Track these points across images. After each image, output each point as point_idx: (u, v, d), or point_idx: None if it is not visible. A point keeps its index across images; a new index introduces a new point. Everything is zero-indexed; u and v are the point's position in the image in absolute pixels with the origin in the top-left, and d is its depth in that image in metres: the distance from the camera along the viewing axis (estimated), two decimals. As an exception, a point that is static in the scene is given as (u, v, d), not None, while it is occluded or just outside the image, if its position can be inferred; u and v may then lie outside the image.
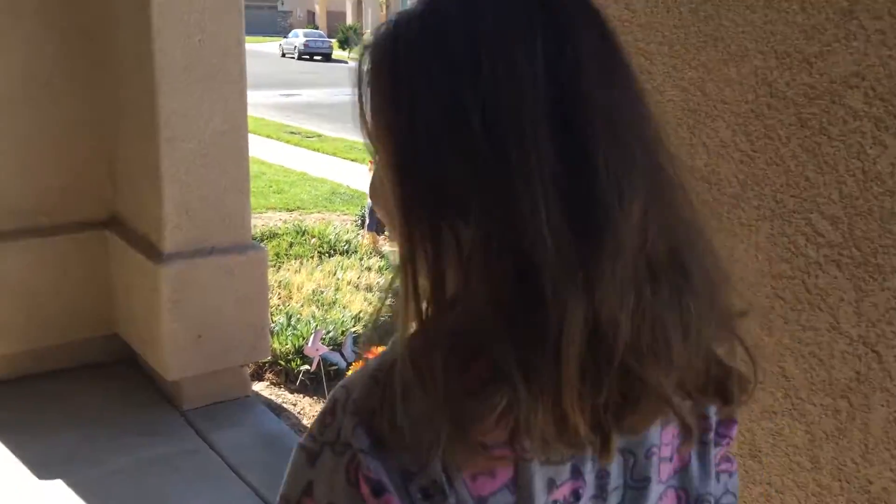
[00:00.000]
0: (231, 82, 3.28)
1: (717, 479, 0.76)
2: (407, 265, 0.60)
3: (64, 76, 3.58)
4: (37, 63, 3.52)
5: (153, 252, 3.37)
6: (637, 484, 0.69)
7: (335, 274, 5.74)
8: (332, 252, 6.40)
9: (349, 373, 0.78)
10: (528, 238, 0.55)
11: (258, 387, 3.94)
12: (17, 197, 3.59)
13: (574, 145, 0.57)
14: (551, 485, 0.63)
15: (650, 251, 0.59)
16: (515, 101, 0.56)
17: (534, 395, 0.55)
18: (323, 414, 0.62)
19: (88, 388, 3.71)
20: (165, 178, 3.23)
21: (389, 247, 6.13)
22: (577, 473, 0.64)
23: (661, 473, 0.70)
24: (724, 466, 0.79)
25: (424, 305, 0.60)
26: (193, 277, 3.35)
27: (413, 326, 0.60)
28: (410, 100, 0.59)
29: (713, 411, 0.73)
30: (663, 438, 0.69)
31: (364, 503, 0.58)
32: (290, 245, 6.50)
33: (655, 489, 0.69)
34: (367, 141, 0.64)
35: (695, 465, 0.72)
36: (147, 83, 3.20)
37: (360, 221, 7.39)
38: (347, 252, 6.43)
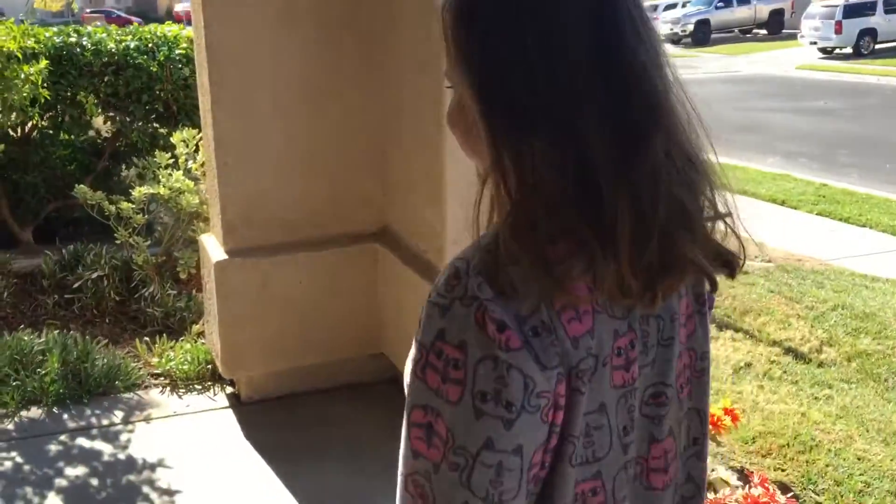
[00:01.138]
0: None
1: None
2: (496, 171, 0.79)
3: (339, 80, 3.37)
4: (314, 69, 3.33)
5: (430, 271, 3.07)
6: (666, 342, 0.90)
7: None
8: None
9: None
10: (587, 147, 0.75)
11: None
12: (288, 208, 3.44)
13: (616, 81, 0.76)
14: (616, 335, 0.83)
15: (675, 158, 0.80)
16: (569, 45, 0.76)
17: (605, 258, 0.76)
18: (448, 278, 0.79)
19: (353, 410, 3.51)
20: (449, 191, 2.90)
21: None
22: (631, 329, 0.85)
23: (681, 336, 0.92)
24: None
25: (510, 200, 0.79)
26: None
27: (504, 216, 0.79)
28: (493, 44, 0.77)
29: (706, 288, 0.94)
30: (681, 308, 0.91)
31: (490, 338, 0.75)
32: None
33: (677, 347, 0.91)
34: (452, 75, 0.83)
35: (699, 329, 0.95)
36: (430, 88, 2.88)
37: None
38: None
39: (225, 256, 3.36)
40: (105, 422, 3.43)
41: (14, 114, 4.29)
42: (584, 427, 0.81)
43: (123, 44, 5.81)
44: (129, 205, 4.84)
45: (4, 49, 4.15)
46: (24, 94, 4.26)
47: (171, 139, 5.19)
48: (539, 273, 0.76)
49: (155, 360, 3.91)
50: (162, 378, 3.81)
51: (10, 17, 5.94)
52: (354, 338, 3.58)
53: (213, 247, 3.50)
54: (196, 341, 4.04)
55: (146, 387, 3.74)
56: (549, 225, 0.77)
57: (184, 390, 3.71)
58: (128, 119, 5.96)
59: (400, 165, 3.37)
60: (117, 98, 5.85)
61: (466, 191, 2.87)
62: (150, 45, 5.89)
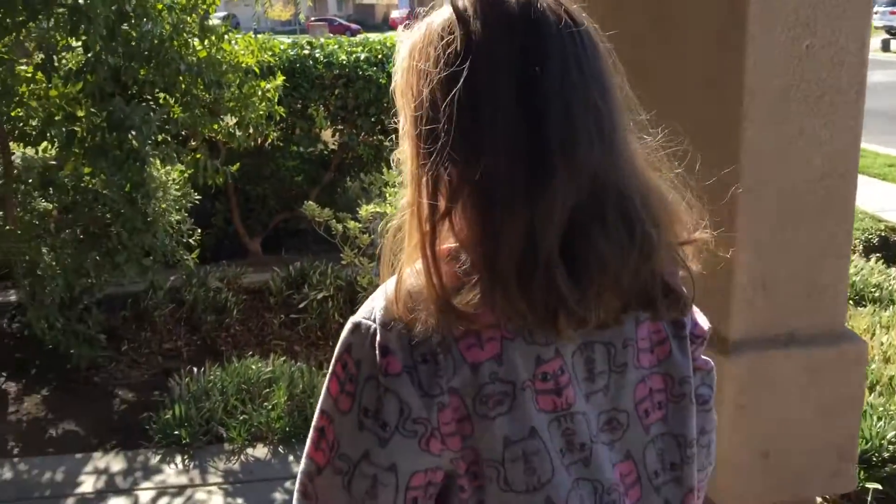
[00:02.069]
0: (843, 105, 2.28)
1: (694, 373, 0.95)
2: (413, 197, 0.82)
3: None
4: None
5: (713, 336, 2.53)
6: (618, 368, 0.88)
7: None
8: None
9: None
10: (492, 178, 0.77)
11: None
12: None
13: (533, 115, 0.78)
14: (539, 360, 0.82)
15: (598, 194, 0.79)
16: (491, 81, 0.79)
17: (493, 287, 0.77)
18: (367, 302, 0.85)
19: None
20: (740, 238, 2.35)
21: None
22: (558, 355, 0.83)
23: (641, 360, 0.90)
24: (700, 363, 0.99)
25: (425, 229, 0.80)
26: (765, 375, 2.42)
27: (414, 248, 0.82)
28: (423, 81, 0.82)
29: (695, 316, 0.97)
30: (639, 333, 0.89)
31: (375, 361, 0.80)
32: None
33: (634, 373, 0.89)
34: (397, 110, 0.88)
35: (676, 354, 0.92)
36: (723, 110, 2.35)
37: None
38: None
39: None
40: (329, 466, 3.20)
41: (250, 131, 4.20)
42: (518, 454, 0.81)
43: (354, 55, 5.70)
44: (356, 224, 4.68)
45: (243, 64, 4.07)
46: (261, 112, 4.17)
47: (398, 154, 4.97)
48: (436, 300, 0.78)
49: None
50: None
51: (243, 30, 6.01)
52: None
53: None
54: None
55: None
56: (458, 253, 0.81)
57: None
58: (354, 132, 5.86)
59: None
60: (346, 111, 5.76)
61: (766, 235, 2.33)
62: (379, 56, 5.75)
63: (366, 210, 4.73)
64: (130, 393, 3.99)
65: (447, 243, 0.82)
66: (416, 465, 0.81)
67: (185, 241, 4.63)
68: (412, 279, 0.81)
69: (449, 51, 0.80)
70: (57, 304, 4.12)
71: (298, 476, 0.87)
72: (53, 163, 4.45)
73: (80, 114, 4.32)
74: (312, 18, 36.98)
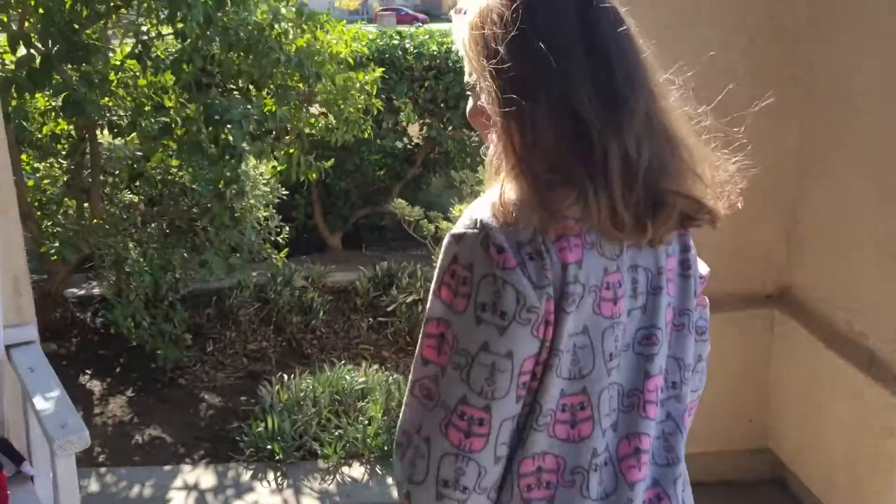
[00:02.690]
0: None
1: (695, 308, 1.09)
2: (504, 135, 0.92)
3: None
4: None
5: (869, 362, 2.23)
6: (655, 291, 1.01)
7: None
8: None
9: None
10: (580, 110, 0.90)
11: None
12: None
13: (600, 60, 0.93)
14: (606, 271, 0.94)
15: (655, 126, 0.95)
16: (562, 39, 0.92)
17: (594, 190, 0.89)
18: (464, 216, 0.93)
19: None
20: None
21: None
22: (618, 270, 0.96)
23: (669, 289, 1.03)
24: (700, 300, 1.12)
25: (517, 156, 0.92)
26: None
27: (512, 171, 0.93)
28: (498, 40, 0.93)
29: (694, 256, 1.08)
30: (668, 264, 1.03)
31: (491, 259, 0.89)
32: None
33: (665, 298, 1.02)
34: (472, 71, 0.98)
35: (682, 290, 1.06)
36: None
37: None
38: None
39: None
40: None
41: (347, 127, 3.98)
42: (571, 346, 0.94)
43: (445, 46, 5.46)
44: (448, 224, 4.44)
45: (340, 55, 3.85)
46: (360, 106, 3.95)
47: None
48: (536, 207, 0.89)
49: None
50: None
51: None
52: (735, 427, 2.80)
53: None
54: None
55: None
56: (547, 173, 0.91)
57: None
58: (442, 126, 5.62)
59: (818, 212, 2.53)
60: (434, 104, 5.53)
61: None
62: (470, 46, 5.50)
63: (459, 210, 4.49)
64: (217, 397, 3.83)
65: (534, 164, 0.92)
66: (528, 350, 0.91)
67: (272, 238, 4.46)
68: (512, 192, 0.91)
69: (515, 7, 0.93)
70: (142, 300, 3.99)
71: (418, 382, 0.94)
72: (139, 153, 4.32)
73: (169, 104, 4.18)
74: (380, 8, 36.88)
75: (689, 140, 0.98)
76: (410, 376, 0.96)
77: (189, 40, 3.25)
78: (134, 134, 3.91)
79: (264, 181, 4.31)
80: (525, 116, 0.91)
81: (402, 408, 0.97)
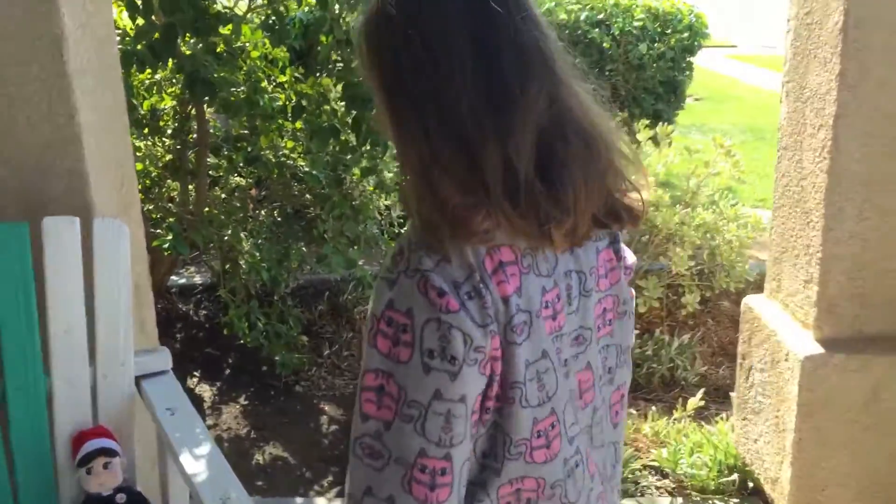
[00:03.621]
0: None
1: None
2: (403, 157, 0.94)
3: None
4: None
5: None
6: (587, 293, 1.02)
7: None
8: None
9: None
10: (464, 113, 0.87)
11: None
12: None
13: (487, 55, 0.87)
14: (543, 290, 0.95)
15: (563, 121, 0.90)
16: (445, 31, 0.88)
17: (492, 206, 0.87)
18: (393, 256, 0.91)
19: None
20: None
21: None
22: (556, 285, 0.97)
23: (600, 284, 1.04)
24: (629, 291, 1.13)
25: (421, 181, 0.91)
26: None
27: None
28: (390, 49, 0.92)
29: (623, 246, 1.09)
30: (598, 261, 1.04)
31: (432, 303, 0.86)
32: None
33: (595, 295, 1.04)
34: (369, 83, 0.97)
35: (622, 279, 1.08)
36: None
37: None
38: None
39: (817, 349, 2.22)
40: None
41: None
42: (534, 374, 0.94)
43: (574, 14, 4.92)
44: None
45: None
46: None
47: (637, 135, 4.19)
48: (465, 233, 0.88)
49: (655, 448, 2.93)
50: (659, 475, 2.83)
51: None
52: None
53: (784, 325, 2.39)
54: (702, 426, 3.01)
55: (642, 488, 2.77)
56: (451, 191, 0.88)
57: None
58: (570, 104, 5.11)
59: None
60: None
61: None
62: (601, 15, 4.94)
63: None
64: (338, 409, 3.43)
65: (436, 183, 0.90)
66: (477, 388, 0.90)
67: (393, 229, 4.04)
68: (429, 226, 0.89)
69: (396, 22, 0.89)
70: (256, 297, 3.61)
71: (358, 441, 0.90)
72: (245, 132, 3.93)
73: (283, 79, 3.77)
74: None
75: (604, 127, 0.96)
76: (352, 434, 0.93)
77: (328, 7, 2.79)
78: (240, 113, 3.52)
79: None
80: (418, 131, 0.90)
81: (348, 470, 0.93)
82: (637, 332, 3.84)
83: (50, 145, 1.98)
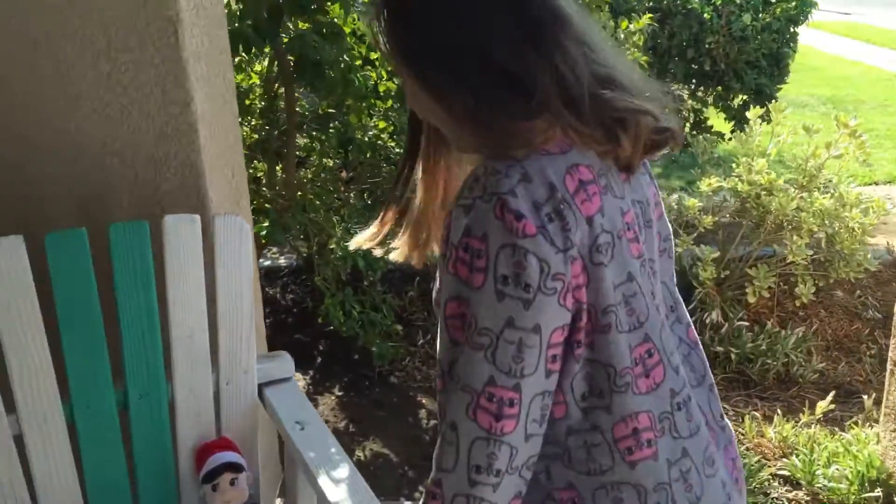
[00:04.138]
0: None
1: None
2: (444, 108, 0.95)
3: None
4: None
5: None
6: (648, 224, 1.01)
7: None
8: None
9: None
10: (510, 61, 0.89)
11: None
12: None
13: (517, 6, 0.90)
14: (622, 212, 0.94)
15: (591, 57, 0.92)
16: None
17: (562, 122, 0.90)
18: (469, 183, 0.89)
19: None
20: None
21: None
22: (630, 206, 0.96)
23: (654, 216, 1.04)
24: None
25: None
26: None
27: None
28: (420, 27, 0.92)
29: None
30: (650, 194, 1.04)
31: (508, 228, 0.85)
32: None
33: (654, 227, 1.03)
34: (397, 67, 0.99)
35: (664, 216, 1.08)
36: None
37: None
38: None
39: None
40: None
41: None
42: (621, 297, 0.91)
43: (672, -16, 4.66)
44: (695, 202, 3.73)
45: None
46: (637, 55, 3.25)
47: (747, 113, 3.93)
48: (520, 141, 0.89)
49: (782, 456, 2.72)
50: (789, 485, 2.63)
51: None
52: None
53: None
54: (834, 432, 2.80)
55: (773, 500, 2.57)
56: (511, 118, 0.90)
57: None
58: (667, 80, 4.85)
59: None
60: (655, 54, 4.75)
61: None
62: (701, -16, 4.67)
63: (707, 184, 3.77)
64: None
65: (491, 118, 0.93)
66: (555, 321, 0.87)
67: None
68: (501, 144, 0.90)
69: None
70: (346, 283, 3.49)
71: (439, 367, 0.93)
72: (331, 111, 3.79)
73: (374, 56, 3.61)
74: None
75: (626, 67, 0.97)
76: (439, 359, 0.93)
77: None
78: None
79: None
80: (461, 88, 0.91)
81: (438, 390, 0.95)
82: (745, 323, 3.63)
83: (164, 136, 1.85)
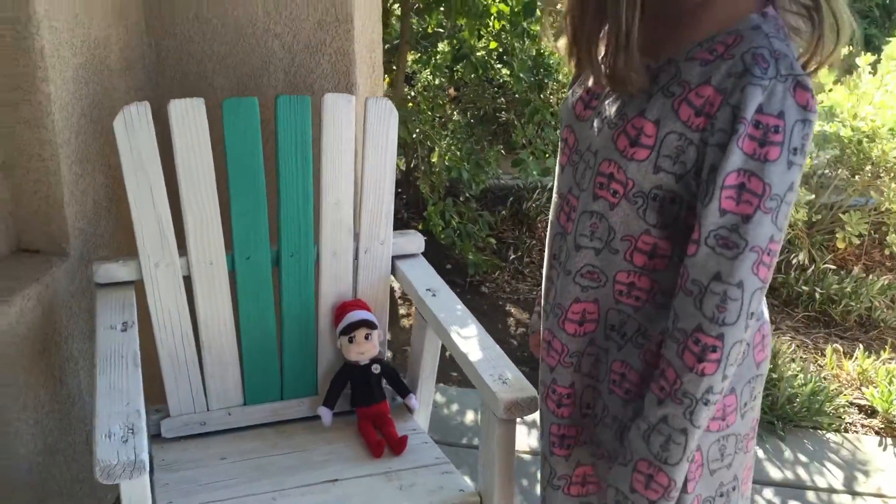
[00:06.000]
0: None
1: None
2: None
3: None
4: None
5: None
6: None
7: None
8: None
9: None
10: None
11: None
12: None
13: None
14: None
15: None
16: None
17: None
18: (754, 63, 0.96)
19: None
20: None
21: None
22: None
23: None
24: None
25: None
26: None
27: None
28: None
29: None
30: None
31: (802, 105, 0.96)
32: None
33: None
34: None
35: None
36: None
37: None
38: None
39: None
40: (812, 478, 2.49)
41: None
42: None
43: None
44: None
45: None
46: None
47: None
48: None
49: (858, 386, 2.83)
50: (864, 413, 2.74)
51: None
52: None
53: None
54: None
55: (847, 425, 2.69)
56: None
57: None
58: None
59: None
60: None
61: None
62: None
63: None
64: (524, 313, 3.48)
65: None
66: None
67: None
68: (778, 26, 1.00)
69: None
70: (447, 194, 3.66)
71: (712, 233, 1.00)
72: (441, 30, 3.91)
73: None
74: None
75: None
76: (699, 228, 1.00)
77: None
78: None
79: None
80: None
81: (690, 259, 1.02)
82: (832, 267, 3.69)
83: (322, 24, 2.02)
